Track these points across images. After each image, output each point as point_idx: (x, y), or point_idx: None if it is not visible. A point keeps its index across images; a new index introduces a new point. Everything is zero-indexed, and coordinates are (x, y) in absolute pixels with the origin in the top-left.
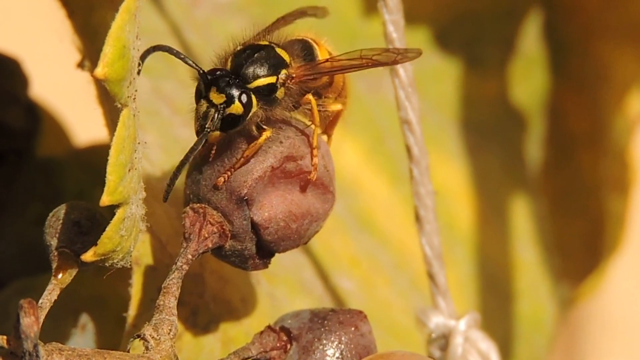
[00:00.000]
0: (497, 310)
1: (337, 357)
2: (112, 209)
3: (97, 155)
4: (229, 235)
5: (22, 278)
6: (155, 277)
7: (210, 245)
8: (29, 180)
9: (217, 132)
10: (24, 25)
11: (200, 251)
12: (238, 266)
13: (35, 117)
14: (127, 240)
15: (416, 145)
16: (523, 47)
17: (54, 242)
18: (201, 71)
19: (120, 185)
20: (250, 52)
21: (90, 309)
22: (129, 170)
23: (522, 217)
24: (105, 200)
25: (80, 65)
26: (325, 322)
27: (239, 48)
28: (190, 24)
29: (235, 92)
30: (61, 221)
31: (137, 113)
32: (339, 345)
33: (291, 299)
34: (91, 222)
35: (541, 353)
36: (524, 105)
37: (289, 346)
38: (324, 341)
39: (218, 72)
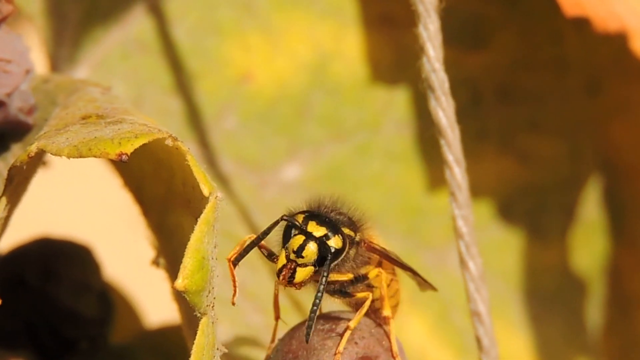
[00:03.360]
0: None
1: None
2: None
3: (168, 339)
4: None
5: None
6: None
7: None
8: None
9: (311, 268)
10: (96, 213)
11: None
12: None
13: (108, 304)
14: None
15: (486, 336)
16: (583, 214)
17: None
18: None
19: None
20: (332, 208)
21: None
22: None
23: None
24: None
25: (155, 262)
26: None
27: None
28: (259, 205)
29: (333, 227)
30: None
31: (216, 320)
32: None
33: None
34: None
35: None
36: (584, 271)
37: None
38: None
39: (311, 212)
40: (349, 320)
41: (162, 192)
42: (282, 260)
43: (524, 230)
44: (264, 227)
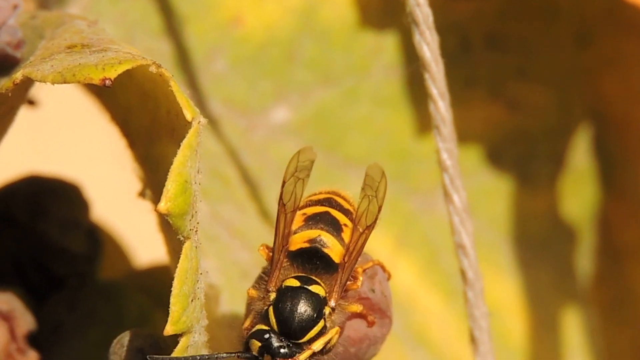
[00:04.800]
0: None
1: None
2: (175, 337)
3: (157, 278)
4: None
5: None
6: None
7: None
8: (91, 304)
9: None
10: (84, 151)
11: None
12: None
13: (96, 241)
14: None
15: (470, 269)
16: (573, 162)
17: None
18: (247, 340)
19: (184, 315)
20: (290, 305)
21: None
22: (192, 300)
23: (573, 329)
24: (169, 329)
25: (142, 194)
26: None
27: (273, 297)
28: (247, 147)
29: (289, 353)
30: (125, 348)
31: (199, 245)
32: None
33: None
34: (154, 348)
35: None
36: (574, 219)
37: None
38: None
39: (266, 336)
40: None
41: (148, 123)
42: None
43: (513, 177)
44: (251, 169)
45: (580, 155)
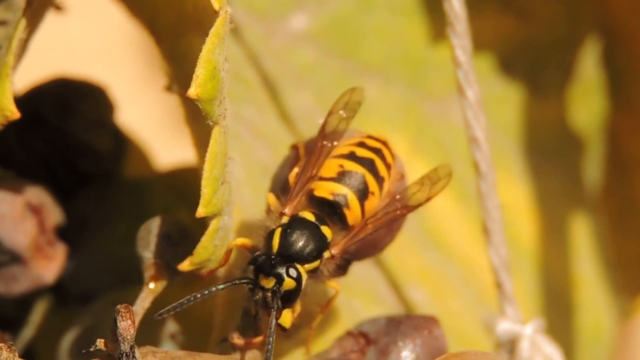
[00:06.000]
0: (559, 323)
1: (412, 359)
2: (203, 222)
3: (180, 178)
4: None
5: (111, 291)
6: (240, 286)
7: None
8: (117, 200)
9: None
10: (110, 53)
11: None
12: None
13: (121, 141)
14: (221, 249)
15: (484, 161)
16: (581, 73)
17: (145, 254)
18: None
19: (214, 198)
20: (299, 233)
21: (178, 319)
22: (222, 183)
23: (582, 235)
24: (201, 212)
25: (169, 88)
26: (401, 326)
27: (285, 223)
28: (267, 52)
29: (282, 271)
30: (152, 233)
31: (227, 130)
32: (414, 347)
33: (367, 308)
34: (181, 235)
35: None
36: (582, 128)
37: (366, 349)
38: (400, 344)
39: (260, 259)
40: None
41: (174, 19)
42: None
43: (523, 85)
44: (271, 74)
45: (589, 67)
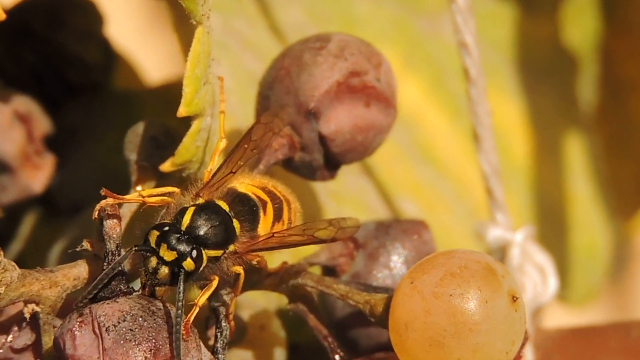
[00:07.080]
0: (553, 241)
1: (401, 263)
2: (187, 124)
3: (170, 91)
4: (298, 147)
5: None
6: None
7: (280, 157)
8: (106, 111)
9: (167, 287)
10: None
11: (272, 162)
12: (307, 177)
13: (110, 53)
14: (203, 150)
15: (473, 67)
16: None
17: (133, 156)
18: (148, 230)
19: (196, 98)
20: (208, 218)
21: None
22: (204, 83)
23: (576, 154)
24: (182, 111)
25: None
26: (390, 230)
27: (199, 203)
28: None
29: (187, 249)
30: (139, 136)
31: (211, 31)
32: (403, 251)
33: (356, 217)
34: (167, 137)
35: (596, 282)
36: (576, 48)
37: (355, 253)
38: (389, 248)
39: (166, 228)
40: None
41: None
42: (142, 279)
43: (516, 2)
44: None
45: None
